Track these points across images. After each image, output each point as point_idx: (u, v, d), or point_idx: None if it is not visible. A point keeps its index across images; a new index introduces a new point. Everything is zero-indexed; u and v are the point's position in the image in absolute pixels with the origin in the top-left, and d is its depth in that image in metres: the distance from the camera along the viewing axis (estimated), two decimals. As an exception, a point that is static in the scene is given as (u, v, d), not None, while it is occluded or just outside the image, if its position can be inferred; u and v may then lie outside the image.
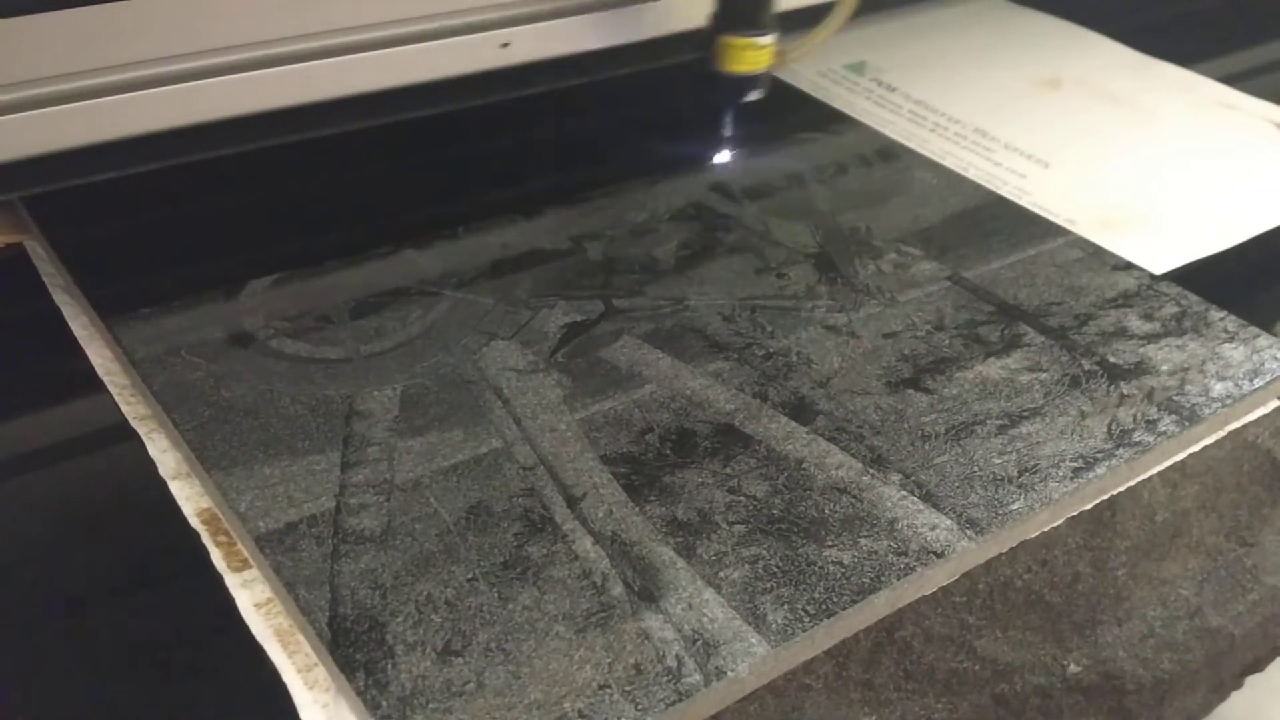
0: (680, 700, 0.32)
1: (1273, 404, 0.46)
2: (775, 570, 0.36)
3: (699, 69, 0.59)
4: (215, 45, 0.49)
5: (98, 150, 0.49)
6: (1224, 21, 0.79)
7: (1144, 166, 0.61)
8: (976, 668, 0.39)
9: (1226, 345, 0.47)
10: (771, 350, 0.45)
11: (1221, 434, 0.44)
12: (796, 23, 0.61)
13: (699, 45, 0.58)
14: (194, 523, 0.38)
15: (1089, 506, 0.41)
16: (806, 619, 0.35)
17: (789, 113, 0.64)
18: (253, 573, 0.36)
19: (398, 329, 0.46)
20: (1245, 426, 0.45)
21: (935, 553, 0.37)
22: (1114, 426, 0.42)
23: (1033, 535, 0.40)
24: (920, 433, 0.42)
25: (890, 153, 0.60)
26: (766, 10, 0.57)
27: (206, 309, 0.46)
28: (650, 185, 0.56)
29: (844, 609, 0.35)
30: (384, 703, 0.32)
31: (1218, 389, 0.44)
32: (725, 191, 0.56)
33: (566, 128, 0.62)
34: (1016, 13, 0.77)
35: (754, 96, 0.60)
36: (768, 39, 0.58)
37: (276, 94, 0.51)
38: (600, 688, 0.32)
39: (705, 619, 0.34)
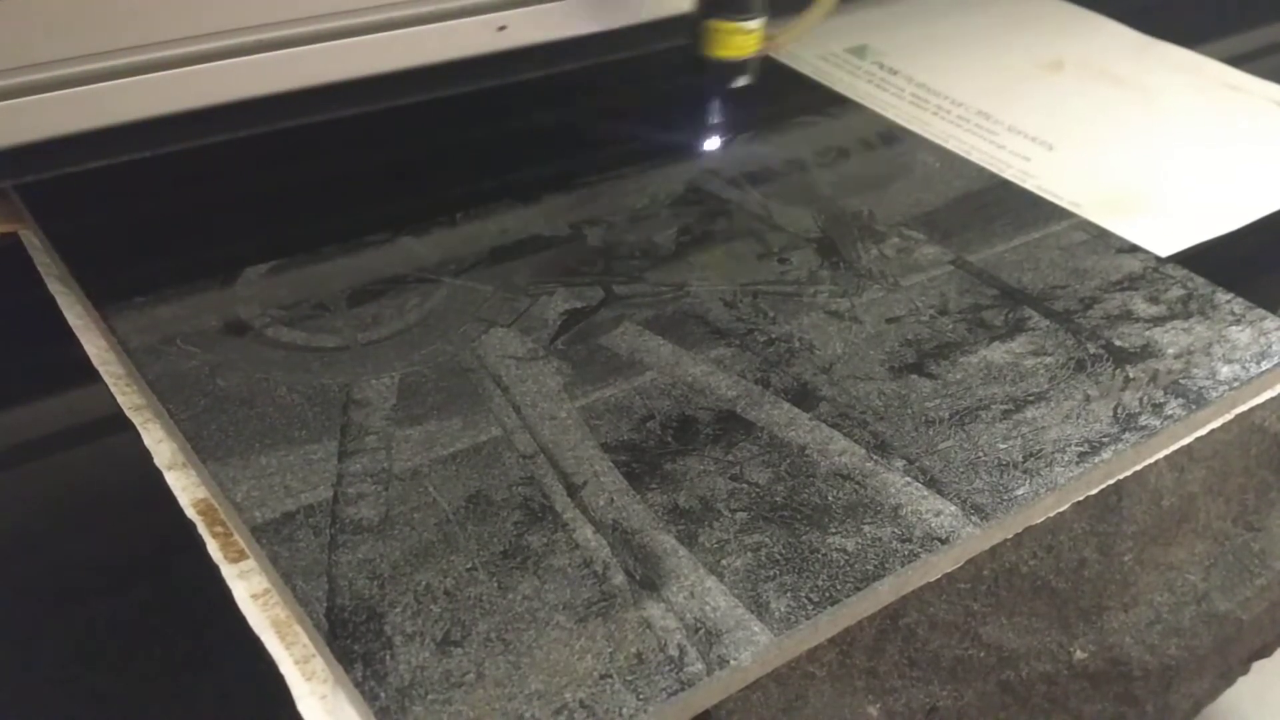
0: (683, 689, 0.32)
1: (1280, 387, 0.46)
2: (778, 558, 0.36)
3: (688, 54, 0.58)
4: (209, 30, 0.48)
5: (92, 137, 0.48)
6: (1228, 2, 0.78)
7: (1149, 148, 0.60)
8: (982, 655, 0.39)
9: (1233, 328, 0.46)
10: (773, 336, 0.45)
11: (1228, 417, 0.44)
12: (786, 6, 0.60)
13: (687, 30, 0.57)
14: (190, 513, 0.38)
15: (1095, 491, 0.41)
16: (810, 607, 0.34)
17: (790, 96, 0.63)
18: (249, 563, 0.36)
19: (395, 317, 0.45)
20: (1253, 410, 0.44)
21: (940, 539, 0.37)
22: (1120, 410, 0.42)
23: (1038, 521, 0.39)
24: (924, 418, 0.41)
25: (892, 136, 0.59)
26: None
27: (202, 297, 0.46)
28: (650, 170, 0.55)
29: (848, 596, 0.35)
30: (382, 694, 0.31)
31: (1225, 372, 0.44)
32: (726, 176, 0.55)
33: (564, 113, 0.61)
34: (1019, -6, 0.77)
35: (742, 82, 0.59)
36: (755, 23, 0.57)
37: (272, 79, 0.51)
38: (602, 677, 0.32)
39: (707, 607, 0.34)
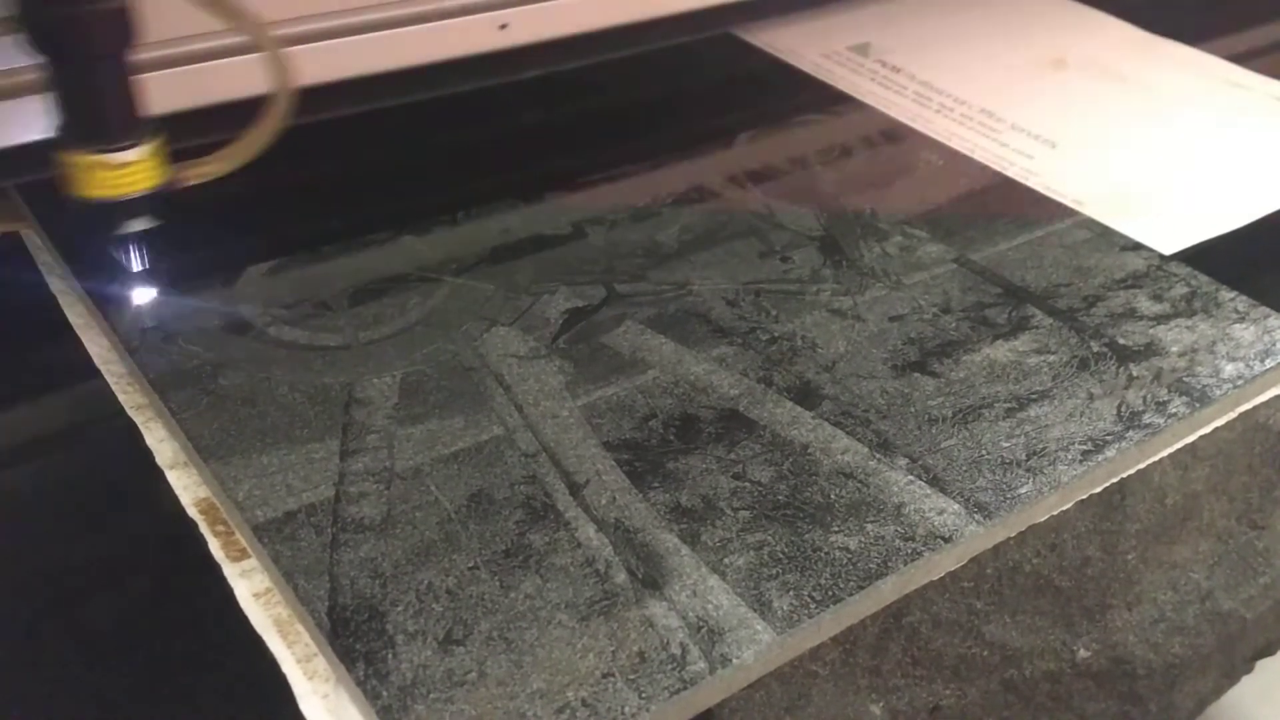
0: (685, 688, 0.32)
1: (1284, 385, 0.46)
2: (781, 556, 0.36)
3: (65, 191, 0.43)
4: (205, 29, 0.48)
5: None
6: (1232, -1, 0.78)
7: (1152, 146, 0.60)
8: (985, 653, 0.38)
9: (1237, 326, 0.46)
10: (776, 334, 0.45)
11: (1232, 415, 0.44)
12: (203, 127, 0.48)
13: (48, 161, 0.42)
14: (192, 512, 0.38)
15: (1098, 490, 0.40)
16: (813, 605, 0.34)
17: (792, 95, 0.63)
18: (251, 562, 0.36)
19: (397, 315, 0.45)
20: (1256, 408, 0.44)
21: (943, 537, 0.37)
22: (1123, 408, 0.42)
23: (1041, 519, 0.39)
24: (927, 416, 0.41)
25: (895, 134, 0.59)
26: (125, 116, 0.42)
27: (204, 296, 0.45)
28: (652, 169, 0.55)
29: (851, 595, 0.35)
30: (384, 693, 0.31)
31: (1228, 370, 0.44)
32: (728, 174, 0.55)
33: (566, 111, 0.61)
34: (1022, -8, 0.77)
35: (140, 225, 0.43)
36: (135, 153, 0.41)
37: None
38: (604, 676, 0.32)
39: (710, 606, 0.34)
